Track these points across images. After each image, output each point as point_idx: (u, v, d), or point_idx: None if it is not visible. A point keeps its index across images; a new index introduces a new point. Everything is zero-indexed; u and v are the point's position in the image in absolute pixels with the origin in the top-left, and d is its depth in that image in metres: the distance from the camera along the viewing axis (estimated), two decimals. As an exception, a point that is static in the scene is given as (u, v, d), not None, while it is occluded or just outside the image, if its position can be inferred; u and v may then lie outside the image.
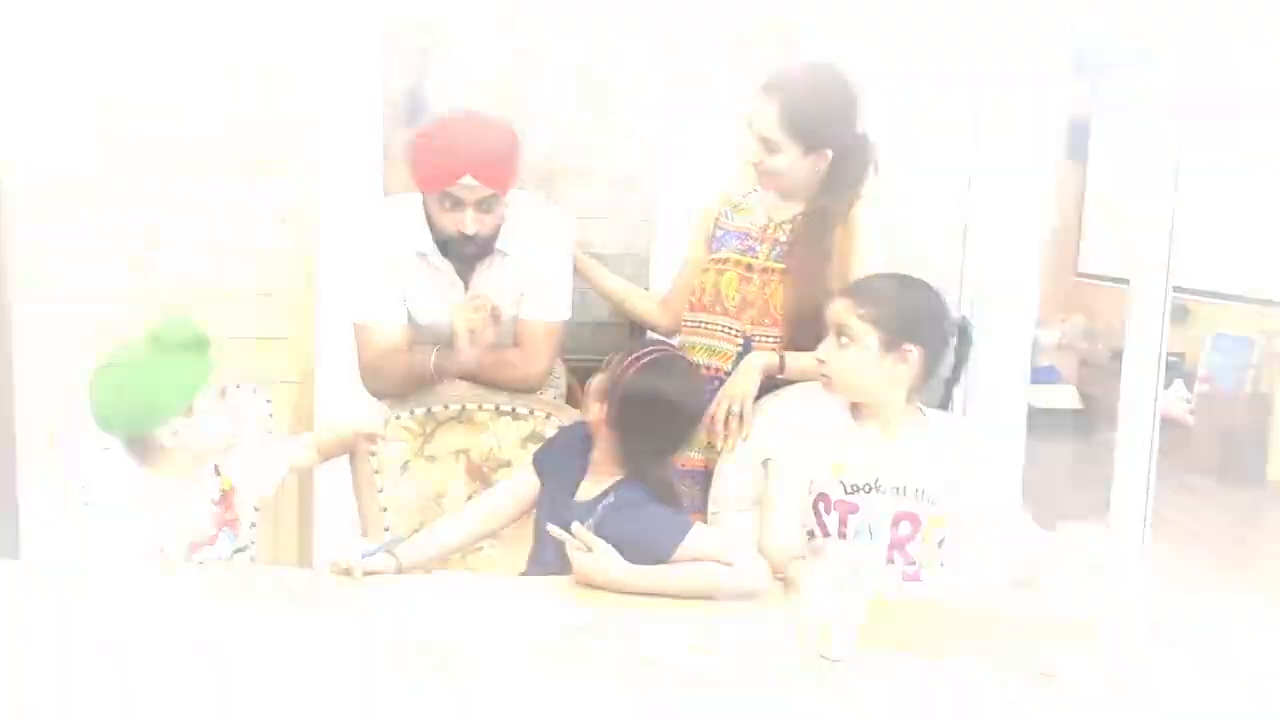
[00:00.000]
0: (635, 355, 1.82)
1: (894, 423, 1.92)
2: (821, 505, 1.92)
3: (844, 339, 1.88)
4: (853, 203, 2.21)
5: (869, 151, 2.24)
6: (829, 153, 2.18)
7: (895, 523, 1.89)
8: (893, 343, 1.87)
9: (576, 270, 2.39)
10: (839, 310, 1.89)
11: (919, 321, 1.90)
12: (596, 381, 1.85)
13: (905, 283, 1.95)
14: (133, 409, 1.86)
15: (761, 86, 2.18)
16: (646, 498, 1.81)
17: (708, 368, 2.24)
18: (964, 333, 1.99)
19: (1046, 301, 7.03)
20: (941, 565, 1.94)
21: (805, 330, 2.16)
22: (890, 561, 1.89)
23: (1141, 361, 2.74)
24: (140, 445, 1.90)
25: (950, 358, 1.97)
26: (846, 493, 1.90)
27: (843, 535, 1.90)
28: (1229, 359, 6.11)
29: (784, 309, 2.20)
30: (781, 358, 2.16)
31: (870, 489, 1.89)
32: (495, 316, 2.18)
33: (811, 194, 2.23)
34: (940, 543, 1.93)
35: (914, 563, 1.90)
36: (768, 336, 2.22)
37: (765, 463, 1.96)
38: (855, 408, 1.94)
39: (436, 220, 2.19)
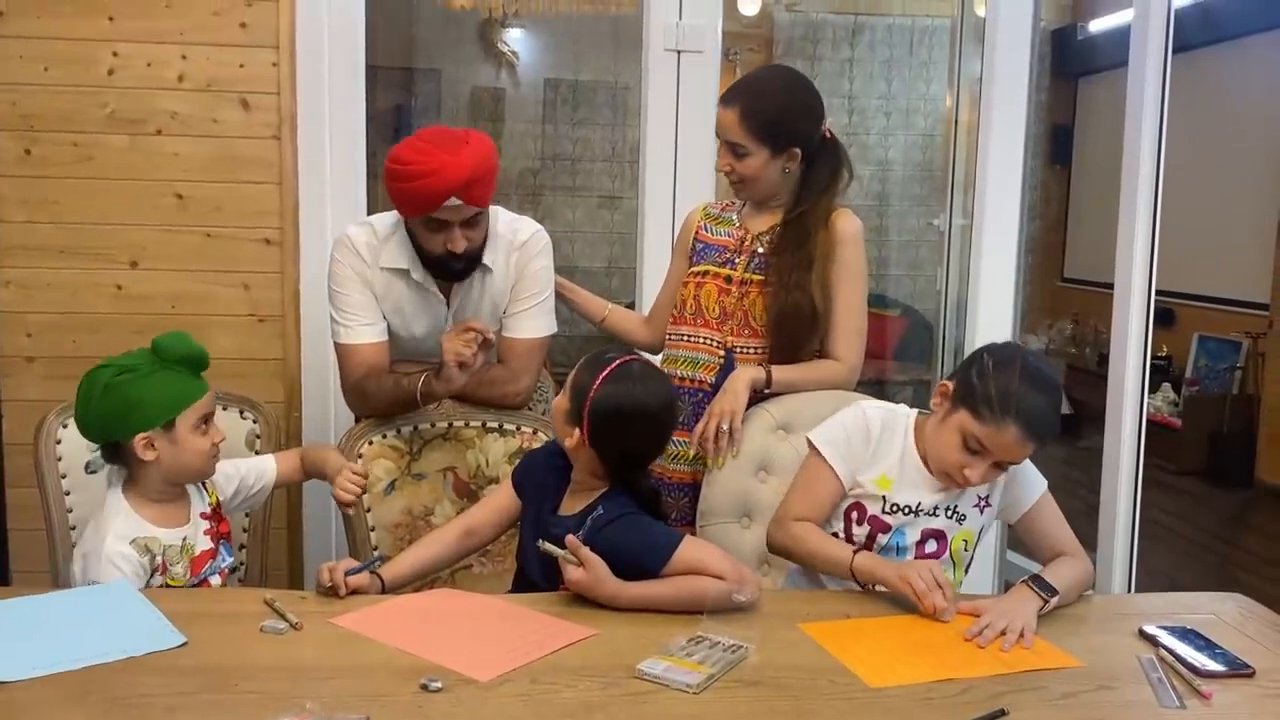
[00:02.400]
0: (598, 372, 1.80)
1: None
2: (855, 514, 1.90)
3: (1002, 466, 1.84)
4: (830, 209, 2.23)
5: (839, 153, 2.26)
6: (798, 151, 2.20)
7: (922, 540, 1.88)
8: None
9: (557, 293, 2.40)
10: (1020, 455, 1.82)
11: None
12: (564, 407, 1.83)
13: (1060, 396, 1.93)
14: (115, 413, 1.86)
15: (722, 96, 2.23)
16: (635, 509, 1.81)
17: (691, 380, 2.26)
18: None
19: (1033, 307, 7.09)
20: (964, 579, 1.94)
21: (787, 340, 2.19)
22: None
23: (1128, 365, 2.75)
24: (117, 454, 1.91)
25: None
26: (885, 511, 1.88)
27: (868, 548, 1.88)
28: (1215, 361, 6.13)
29: (765, 320, 2.21)
30: (768, 372, 2.17)
31: (910, 511, 1.88)
32: (486, 345, 2.17)
33: (787, 202, 2.25)
34: (968, 566, 1.93)
35: None
36: (749, 347, 2.23)
37: (808, 442, 1.95)
38: (918, 435, 1.91)
39: (424, 242, 2.19)
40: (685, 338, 2.29)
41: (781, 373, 2.18)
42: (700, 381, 2.25)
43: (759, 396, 2.18)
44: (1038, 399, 1.77)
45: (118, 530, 1.86)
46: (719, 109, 2.21)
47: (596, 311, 2.53)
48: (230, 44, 2.76)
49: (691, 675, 1.47)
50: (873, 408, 1.95)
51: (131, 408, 1.86)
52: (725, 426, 2.10)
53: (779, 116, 2.18)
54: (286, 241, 2.82)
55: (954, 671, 1.53)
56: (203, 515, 1.98)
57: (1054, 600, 1.72)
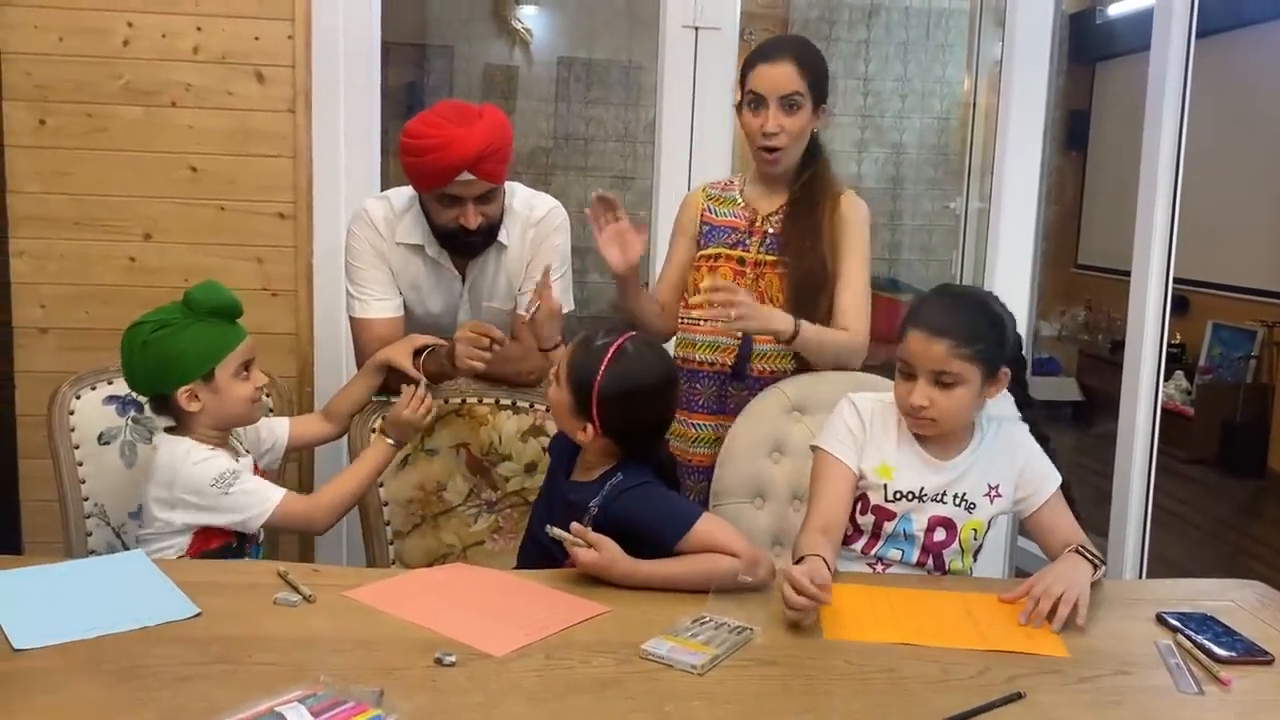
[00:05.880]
0: (597, 361, 1.77)
1: (953, 440, 1.88)
2: (859, 505, 1.89)
3: (945, 379, 1.80)
4: (835, 187, 2.25)
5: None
6: (825, 108, 2.23)
7: (931, 528, 1.87)
8: (992, 372, 1.82)
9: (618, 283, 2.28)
10: (938, 354, 1.78)
11: (1007, 344, 1.85)
12: (566, 402, 1.80)
13: (987, 308, 1.87)
14: (156, 369, 1.91)
15: (761, 54, 2.20)
16: (654, 479, 1.80)
17: (711, 364, 2.26)
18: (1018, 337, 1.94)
19: (1047, 293, 7.06)
20: (973, 567, 1.93)
21: (806, 313, 2.16)
22: (921, 565, 1.87)
23: (1142, 353, 2.74)
24: (166, 406, 1.95)
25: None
26: (887, 499, 1.87)
27: (876, 537, 1.88)
28: (1229, 350, 6.10)
29: (782, 298, 2.20)
30: (798, 326, 2.11)
31: (914, 497, 1.86)
32: (496, 343, 2.13)
33: (790, 178, 2.26)
34: (977, 551, 1.92)
35: (944, 567, 1.88)
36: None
37: (812, 448, 1.94)
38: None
39: (437, 217, 2.18)
40: (702, 322, 2.25)
41: (808, 329, 2.13)
42: (720, 365, 2.25)
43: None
44: (937, 302, 1.86)
45: (185, 446, 1.91)
46: (764, 66, 2.18)
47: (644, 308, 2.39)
48: (245, 16, 2.75)
49: (696, 656, 1.46)
50: (860, 397, 1.95)
51: (170, 362, 1.90)
52: (736, 313, 2.02)
53: (823, 68, 2.22)
54: (300, 216, 2.81)
55: (924, 639, 1.55)
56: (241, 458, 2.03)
57: (1102, 570, 1.73)
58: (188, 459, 1.89)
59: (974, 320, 1.82)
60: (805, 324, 2.13)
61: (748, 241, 2.25)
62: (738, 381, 2.24)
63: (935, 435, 1.87)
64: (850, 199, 2.25)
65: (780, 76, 2.16)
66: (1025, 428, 1.95)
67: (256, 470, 2.04)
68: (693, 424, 2.26)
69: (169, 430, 1.98)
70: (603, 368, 1.76)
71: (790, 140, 2.19)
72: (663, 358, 1.87)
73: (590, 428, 1.78)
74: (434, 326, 2.30)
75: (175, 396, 1.91)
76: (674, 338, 2.35)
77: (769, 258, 2.23)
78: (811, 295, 2.18)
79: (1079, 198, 7.54)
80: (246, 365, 1.96)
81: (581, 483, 1.83)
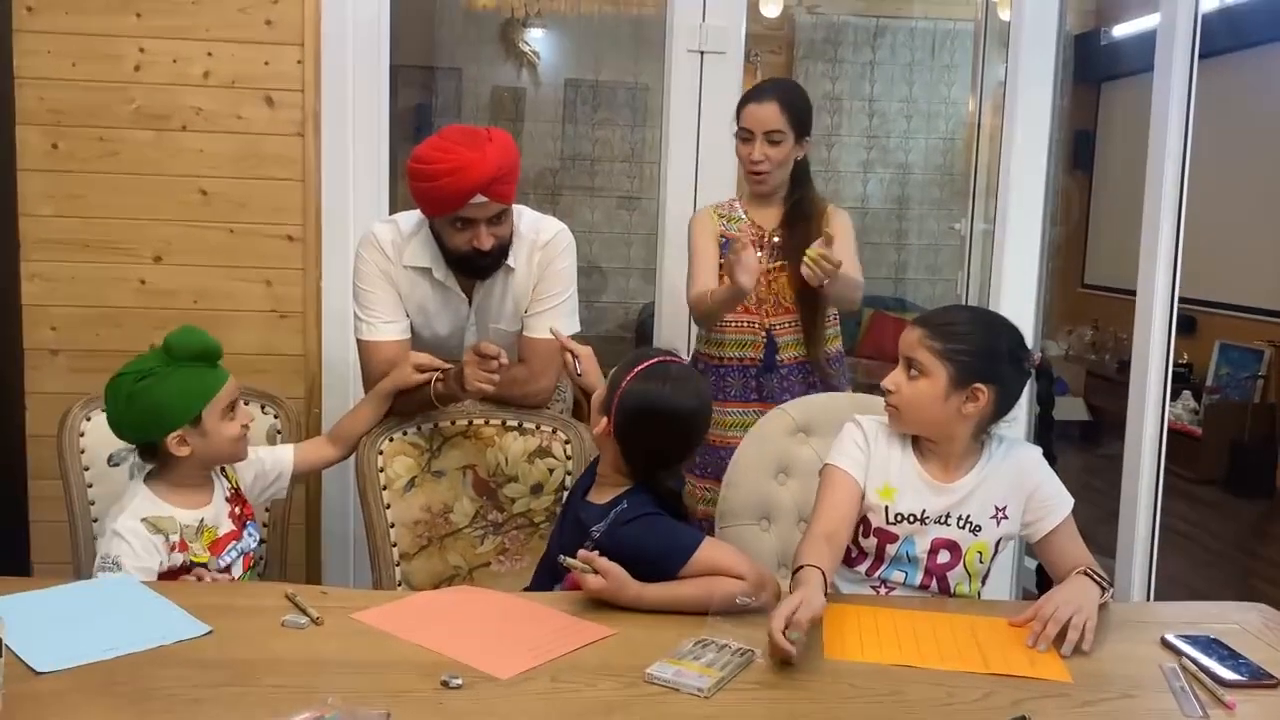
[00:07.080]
0: (633, 367, 1.83)
1: (953, 461, 1.87)
2: (861, 527, 1.89)
3: (913, 370, 1.83)
4: (821, 201, 2.63)
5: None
6: (808, 139, 2.59)
7: (934, 550, 1.87)
8: (963, 380, 1.80)
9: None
10: (911, 340, 1.83)
11: (993, 361, 1.82)
12: (600, 395, 1.88)
13: (983, 320, 1.90)
14: (144, 419, 1.92)
15: (753, 95, 2.58)
16: (658, 508, 1.81)
17: (740, 359, 2.61)
18: (1044, 373, 1.94)
19: (1053, 313, 7.06)
20: (981, 590, 1.92)
21: (814, 309, 2.58)
22: (925, 588, 1.88)
23: (1148, 372, 2.74)
24: (154, 452, 1.96)
25: (1022, 396, 1.92)
26: (889, 521, 1.87)
27: (879, 559, 1.89)
28: (1237, 369, 6.09)
29: (793, 296, 2.57)
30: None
31: (915, 519, 1.86)
32: (503, 365, 2.15)
33: (784, 195, 2.63)
34: (984, 576, 1.91)
35: (950, 590, 1.88)
36: (784, 323, 2.60)
37: (821, 470, 1.95)
38: (917, 440, 1.90)
39: (450, 240, 2.20)
40: (730, 323, 2.59)
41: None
42: (751, 359, 2.60)
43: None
44: (944, 307, 2.01)
45: (133, 510, 1.92)
46: (753, 106, 2.55)
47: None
48: (255, 41, 2.77)
49: (701, 679, 1.46)
50: (864, 418, 1.96)
51: (158, 410, 1.91)
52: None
53: (805, 107, 2.59)
54: (309, 238, 2.83)
55: (927, 661, 1.56)
56: (226, 499, 2.03)
57: (1109, 592, 1.74)
58: (118, 518, 1.90)
59: (958, 324, 1.85)
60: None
61: (759, 254, 2.52)
62: (768, 373, 2.60)
63: (926, 442, 1.89)
64: (835, 210, 2.64)
65: (765, 115, 2.53)
66: (1038, 451, 1.95)
67: (246, 509, 2.05)
68: (728, 411, 2.60)
69: (148, 476, 1.98)
70: (634, 372, 1.82)
71: (773, 166, 2.56)
72: (695, 392, 1.86)
73: (604, 422, 1.84)
74: (441, 349, 2.32)
75: (164, 443, 1.92)
76: (701, 335, 2.69)
77: (776, 264, 2.57)
78: (813, 291, 2.44)
79: (1085, 218, 7.54)
80: (232, 406, 1.98)
81: (593, 504, 1.86)
